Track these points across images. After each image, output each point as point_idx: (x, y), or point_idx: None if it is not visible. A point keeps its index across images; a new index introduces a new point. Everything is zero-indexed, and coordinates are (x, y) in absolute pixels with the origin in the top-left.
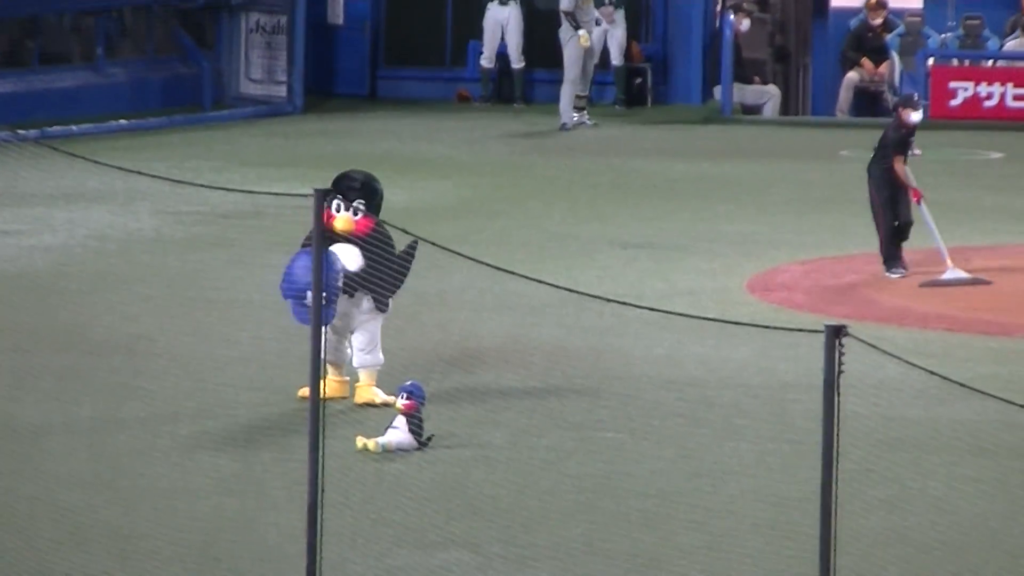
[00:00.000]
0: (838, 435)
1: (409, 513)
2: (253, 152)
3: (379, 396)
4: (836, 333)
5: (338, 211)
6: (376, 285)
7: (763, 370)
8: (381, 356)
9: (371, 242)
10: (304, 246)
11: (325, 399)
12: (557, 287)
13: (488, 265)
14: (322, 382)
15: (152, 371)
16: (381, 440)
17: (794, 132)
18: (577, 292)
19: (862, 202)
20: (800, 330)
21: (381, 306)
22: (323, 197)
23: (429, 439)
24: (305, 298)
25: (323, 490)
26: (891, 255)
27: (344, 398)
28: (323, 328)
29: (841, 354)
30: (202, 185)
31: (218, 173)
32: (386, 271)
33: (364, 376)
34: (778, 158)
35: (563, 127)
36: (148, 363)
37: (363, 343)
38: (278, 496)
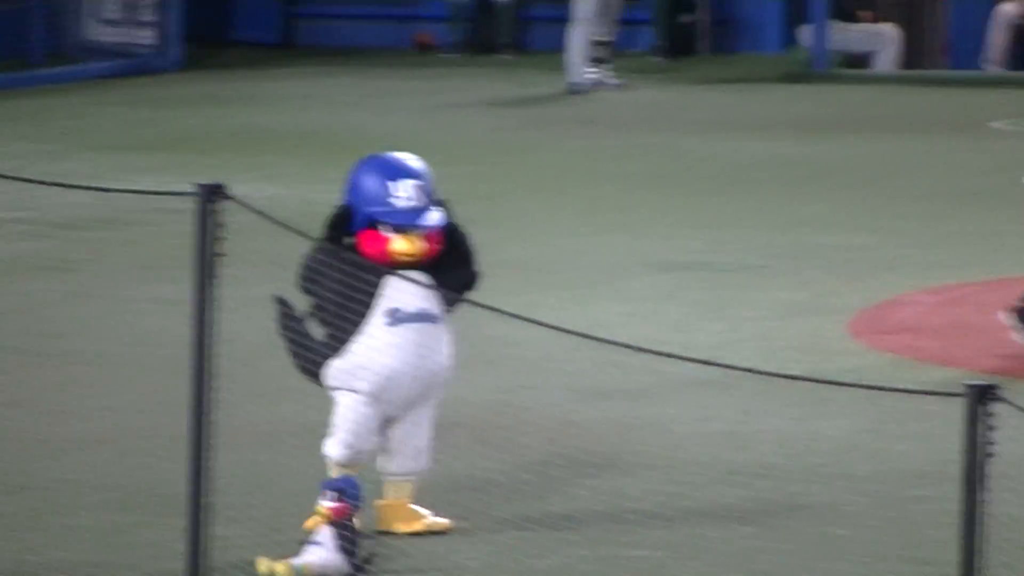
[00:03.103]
0: (982, 549)
1: None
2: (107, 129)
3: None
4: (982, 396)
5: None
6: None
7: (874, 454)
8: None
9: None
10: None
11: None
12: (564, 331)
13: (461, 299)
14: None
15: None
16: (296, 562)
17: (921, 94)
18: (594, 338)
19: None
20: (930, 393)
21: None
22: (209, 195)
23: (368, 560)
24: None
25: None
26: None
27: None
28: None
29: (990, 428)
30: (29, 180)
31: (54, 161)
32: None
33: (406, 488)
34: (897, 133)
35: (573, 88)
36: None
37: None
38: None
